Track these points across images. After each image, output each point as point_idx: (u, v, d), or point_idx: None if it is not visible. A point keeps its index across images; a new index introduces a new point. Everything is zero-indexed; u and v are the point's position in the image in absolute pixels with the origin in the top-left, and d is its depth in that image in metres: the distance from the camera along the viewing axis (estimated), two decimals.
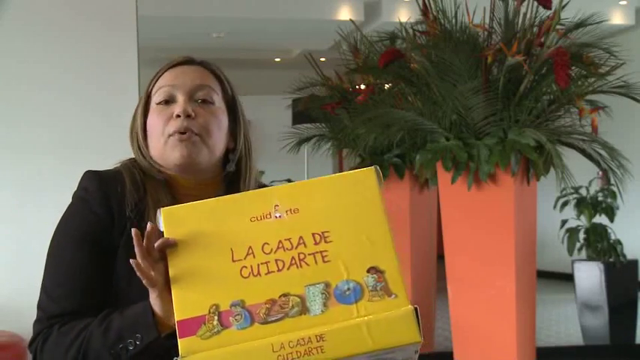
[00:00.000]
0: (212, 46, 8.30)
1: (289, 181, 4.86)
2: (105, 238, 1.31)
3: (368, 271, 1.09)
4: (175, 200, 1.36)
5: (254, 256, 1.11)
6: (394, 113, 3.79)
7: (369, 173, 1.16)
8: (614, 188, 4.60)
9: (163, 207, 1.16)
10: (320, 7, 7.44)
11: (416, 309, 1.06)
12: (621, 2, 7.72)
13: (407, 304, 1.08)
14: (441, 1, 3.67)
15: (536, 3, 3.47)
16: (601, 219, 5.29)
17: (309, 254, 1.11)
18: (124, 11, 3.86)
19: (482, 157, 3.51)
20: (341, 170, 9.81)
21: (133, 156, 1.45)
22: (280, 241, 1.12)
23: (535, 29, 3.48)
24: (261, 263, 1.11)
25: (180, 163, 1.36)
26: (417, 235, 4.70)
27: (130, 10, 3.87)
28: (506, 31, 3.55)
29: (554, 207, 5.36)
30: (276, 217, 1.13)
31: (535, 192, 3.74)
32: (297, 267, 1.10)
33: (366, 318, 1.06)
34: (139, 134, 1.41)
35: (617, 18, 7.77)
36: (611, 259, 5.21)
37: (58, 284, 1.30)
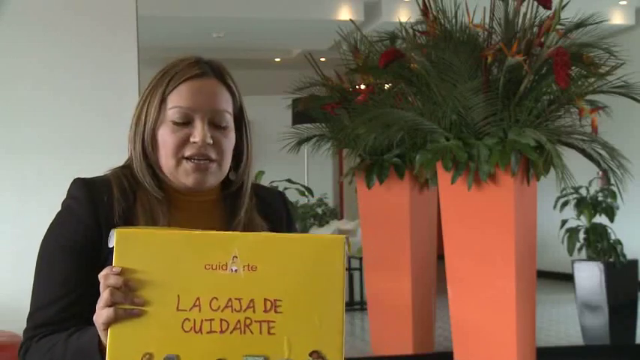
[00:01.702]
0: (212, 46, 8.31)
1: (289, 181, 4.85)
2: (93, 247, 1.30)
3: (310, 355, 1.07)
4: (169, 208, 1.35)
5: (199, 310, 1.08)
6: (394, 113, 3.79)
7: (338, 243, 1.11)
8: (614, 188, 4.59)
9: (155, 216, 1.13)
10: (320, 7, 7.45)
11: None
12: (621, 2, 7.72)
13: None
14: (441, 1, 3.67)
15: (536, 3, 3.47)
16: (601, 219, 5.28)
17: (255, 321, 1.08)
18: (124, 11, 3.86)
19: (482, 157, 3.51)
20: (341, 170, 9.80)
21: (127, 160, 1.42)
22: (230, 299, 1.08)
23: (535, 29, 3.48)
24: (205, 319, 1.07)
25: (193, 187, 1.35)
26: (417, 235, 4.69)
27: (130, 10, 3.87)
28: (506, 31, 3.55)
29: (554, 207, 5.36)
30: (232, 270, 1.09)
31: (535, 192, 3.74)
32: (241, 332, 1.08)
33: None
34: (148, 143, 1.36)
35: (617, 18, 7.77)
36: (611, 259, 5.21)
37: (44, 293, 1.30)
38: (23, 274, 3.39)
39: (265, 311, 1.08)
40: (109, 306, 1.09)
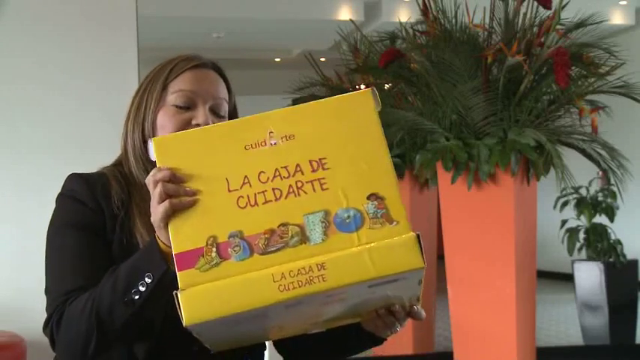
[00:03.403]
0: (212, 46, 8.31)
1: None
2: (100, 228, 1.31)
3: (368, 198, 1.07)
4: None
5: (250, 186, 1.08)
6: (394, 113, 3.79)
7: (366, 95, 1.12)
8: (614, 188, 4.60)
9: (148, 207, 1.12)
10: (320, 7, 7.45)
11: (418, 235, 1.05)
12: (621, 2, 7.72)
13: (409, 230, 1.06)
14: (441, 1, 3.67)
15: (536, 3, 3.47)
16: (601, 219, 5.29)
17: (306, 182, 1.08)
18: (124, 11, 3.86)
19: (482, 157, 3.51)
20: None
21: (116, 159, 1.43)
22: (277, 169, 1.08)
23: (535, 29, 3.48)
24: (258, 192, 1.08)
25: None
26: None
27: (130, 10, 3.87)
28: (506, 31, 3.55)
29: (554, 207, 5.36)
30: (271, 144, 1.10)
31: (535, 192, 3.74)
32: (295, 195, 1.07)
33: (367, 246, 1.05)
34: (149, 129, 1.37)
35: (617, 18, 7.78)
36: (611, 259, 5.21)
37: (64, 265, 1.28)
38: (23, 274, 3.40)
39: (313, 171, 1.08)
40: (163, 200, 1.08)
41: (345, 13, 7.36)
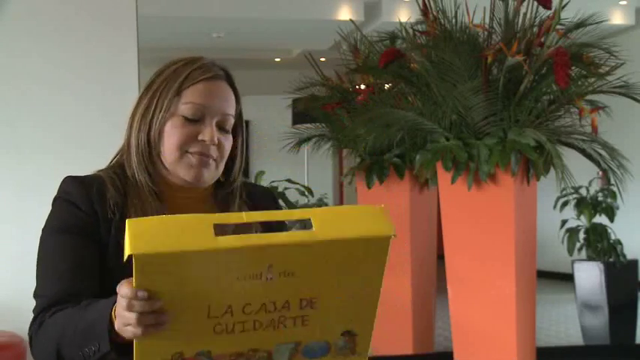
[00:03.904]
0: (212, 46, 8.30)
1: (289, 181, 4.86)
2: (93, 232, 1.32)
3: (342, 334, 1.09)
4: (161, 202, 1.37)
5: (232, 315, 1.02)
6: (394, 113, 3.78)
7: (385, 242, 1.02)
8: (614, 188, 4.59)
9: (146, 211, 1.11)
10: (320, 7, 7.45)
11: None
12: (621, 2, 7.72)
13: None
14: (441, 1, 3.67)
15: (536, 3, 3.47)
16: (601, 219, 5.29)
17: (289, 317, 1.04)
18: (124, 11, 3.86)
19: (482, 157, 3.51)
20: (341, 170, 9.79)
21: (112, 160, 1.45)
22: (264, 303, 1.02)
23: (535, 29, 3.48)
24: (237, 322, 1.02)
25: (192, 182, 1.38)
26: (417, 235, 4.69)
27: (130, 10, 3.87)
28: (506, 31, 3.55)
29: (554, 207, 5.36)
30: (267, 278, 1.00)
31: (535, 192, 3.74)
32: (274, 328, 1.04)
33: None
34: (155, 132, 1.37)
35: (617, 18, 7.77)
36: (611, 259, 5.21)
37: (51, 269, 1.30)
38: (23, 274, 3.38)
39: (301, 308, 1.04)
40: (136, 326, 1.02)
41: (345, 13, 7.36)
